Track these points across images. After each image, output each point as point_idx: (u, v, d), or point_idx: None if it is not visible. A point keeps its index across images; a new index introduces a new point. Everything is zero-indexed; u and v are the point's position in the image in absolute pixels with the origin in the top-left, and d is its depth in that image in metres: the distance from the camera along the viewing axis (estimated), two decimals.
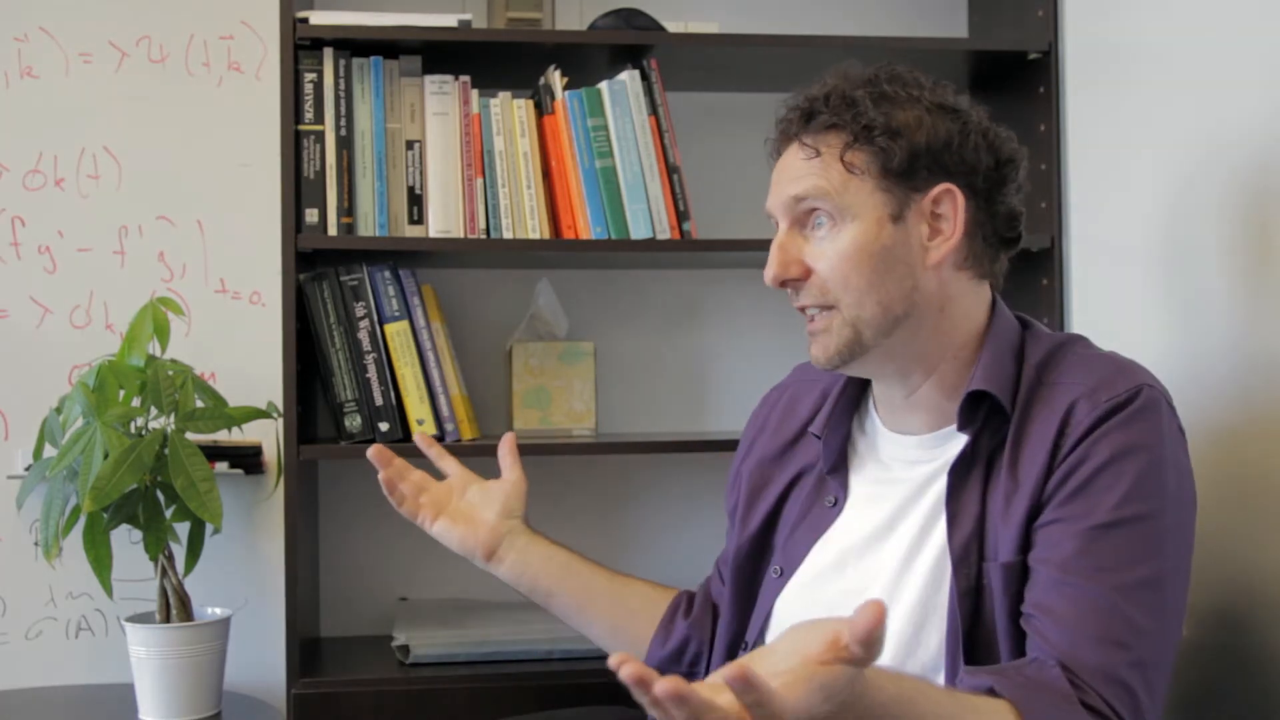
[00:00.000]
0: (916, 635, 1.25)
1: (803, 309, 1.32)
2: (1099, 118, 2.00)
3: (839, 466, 1.38)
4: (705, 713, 0.88)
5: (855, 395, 1.41)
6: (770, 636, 1.36)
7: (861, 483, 1.36)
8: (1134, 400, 1.22)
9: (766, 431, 1.50)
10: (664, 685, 0.86)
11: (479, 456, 2.31)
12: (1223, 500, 1.59)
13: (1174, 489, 1.22)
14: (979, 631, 1.23)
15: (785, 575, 1.37)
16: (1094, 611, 1.16)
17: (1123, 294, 1.92)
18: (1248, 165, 1.60)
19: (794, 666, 0.93)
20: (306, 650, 2.05)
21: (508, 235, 2.06)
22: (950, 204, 1.28)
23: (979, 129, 1.30)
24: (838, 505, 1.36)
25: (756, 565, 1.42)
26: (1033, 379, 1.28)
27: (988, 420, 1.27)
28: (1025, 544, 1.22)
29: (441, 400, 2.06)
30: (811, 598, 1.33)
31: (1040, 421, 1.25)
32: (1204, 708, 1.61)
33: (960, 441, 1.28)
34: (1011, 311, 1.36)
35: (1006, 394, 1.27)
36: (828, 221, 1.28)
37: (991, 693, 1.13)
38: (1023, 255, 2.17)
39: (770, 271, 1.30)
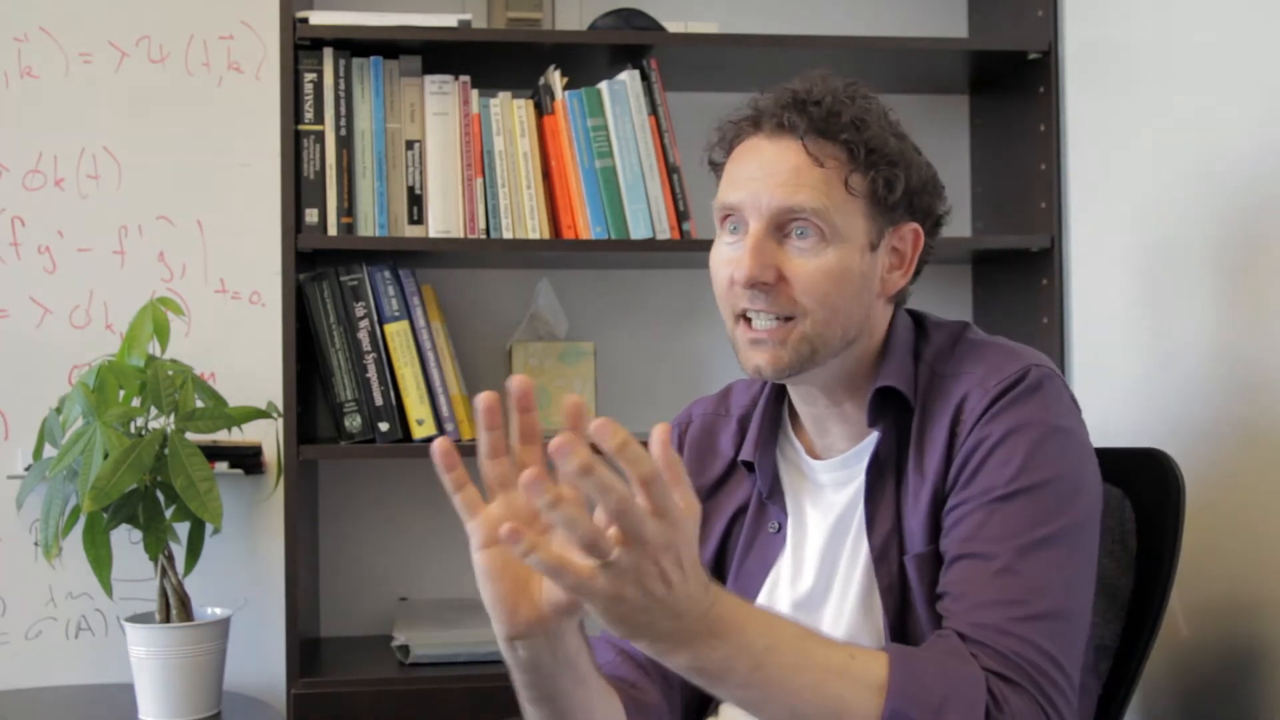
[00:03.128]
0: (858, 635, 1.27)
1: (752, 311, 1.28)
2: (1099, 118, 2.00)
3: (775, 490, 1.37)
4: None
5: (775, 417, 1.40)
6: None
7: (797, 506, 1.36)
8: (1021, 381, 1.24)
9: (688, 469, 1.36)
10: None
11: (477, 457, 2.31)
12: (1221, 500, 1.59)
13: (1069, 456, 1.23)
14: (909, 624, 1.25)
15: None
16: (989, 576, 1.16)
17: (1122, 294, 1.91)
18: (1247, 164, 1.60)
19: None
20: (306, 650, 2.05)
21: (508, 235, 2.06)
22: (912, 242, 1.31)
23: (935, 177, 1.34)
24: (782, 530, 1.35)
25: None
26: (928, 374, 1.31)
27: (896, 417, 1.30)
28: (935, 533, 1.25)
29: (441, 400, 2.06)
30: None
31: (938, 414, 1.27)
32: (1204, 706, 1.61)
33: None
34: (904, 311, 1.38)
35: (909, 390, 1.29)
36: (814, 235, 1.24)
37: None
38: (1023, 255, 2.17)
39: (745, 273, 1.24)
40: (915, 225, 1.31)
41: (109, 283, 2.20)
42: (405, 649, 2.04)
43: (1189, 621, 1.62)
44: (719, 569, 1.39)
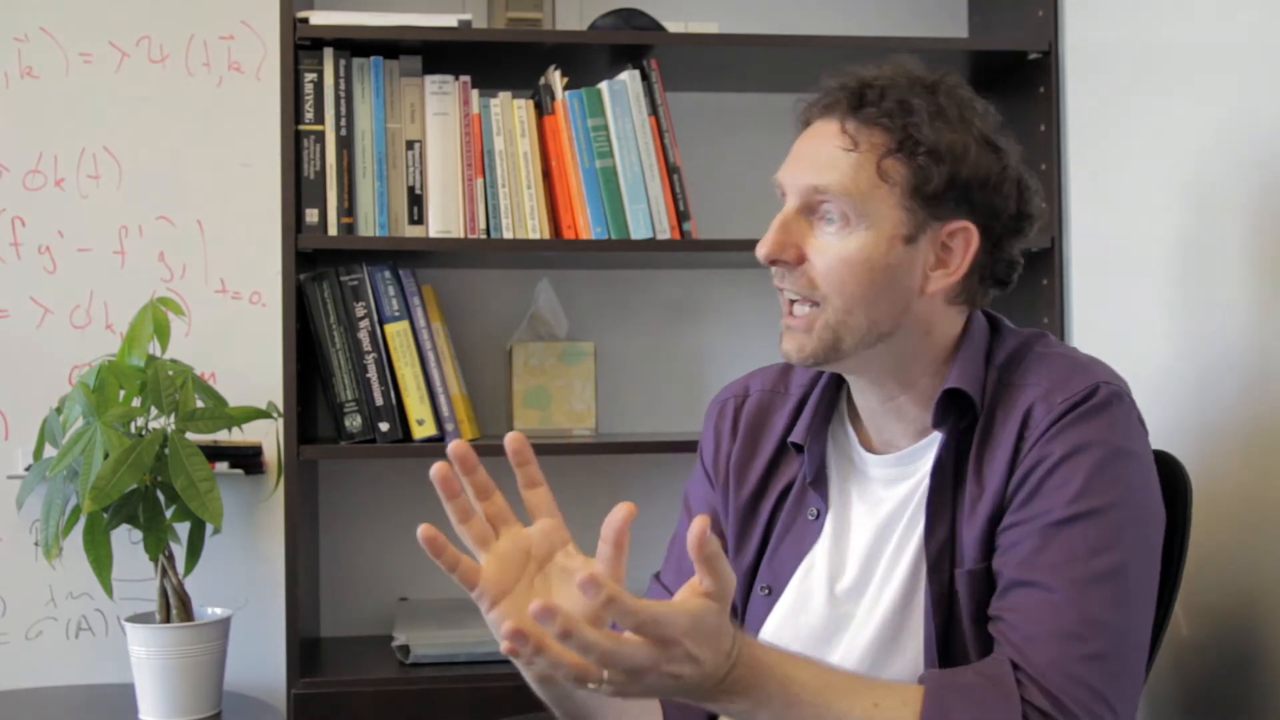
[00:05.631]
0: (894, 641, 1.25)
1: (782, 290, 1.27)
2: (1099, 118, 2.00)
3: (819, 477, 1.35)
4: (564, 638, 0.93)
5: (831, 403, 1.38)
6: None
7: (843, 496, 1.34)
8: (1090, 399, 1.21)
9: (739, 443, 1.42)
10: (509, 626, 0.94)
11: (480, 456, 2.31)
12: (1222, 501, 1.59)
13: (1133, 481, 1.20)
14: (953, 637, 1.23)
15: (774, 594, 1.34)
16: (1048, 607, 1.14)
17: (1122, 294, 1.92)
18: (1248, 164, 1.60)
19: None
20: (306, 650, 2.05)
21: (508, 235, 2.06)
22: (963, 241, 1.24)
23: (1015, 175, 1.27)
24: (820, 518, 1.34)
25: (747, 587, 1.39)
26: (996, 380, 1.27)
27: (958, 422, 1.26)
28: (989, 550, 1.22)
29: (441, 400, 2.06)
30: (801, 618, 1.32)
31: (1002, 425, 1.24)
32: (1204, 707, 1.61)
33: (934, 455, 1.27)
34: (983, 311, 1.34)
35: (977, 395, 1.26)
36: (839, 220, 1.22)
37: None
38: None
39: (765, 249, 1.24)
40: (966, 223, 1.24)
41: (109, 283, 2.20)
42: (405, 649, 2.04)
43: (1189, 622, 1.62)
44: (761, 550, 1.38)
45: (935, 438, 1.27)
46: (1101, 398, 1.21)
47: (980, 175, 1.23)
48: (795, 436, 1.36)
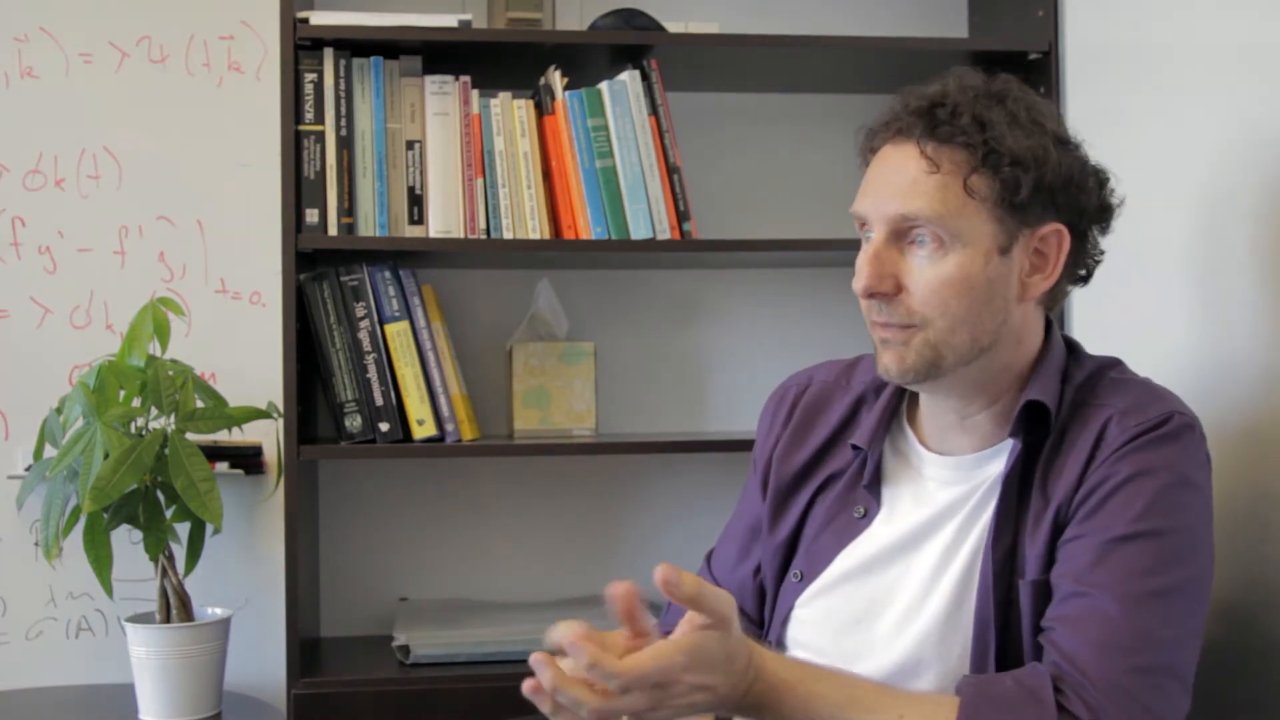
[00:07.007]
0: (941, 646, 1.26)
1: (876, 323, 1.27)
2: (1099, 118, 2.00)
3: (874, 480, 1.36)
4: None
5: (896, 408, 1.39)
6: (789, 640, 1.36)
7: (895, 498, 1.35)
8: (1162, 425, 1.22)
9: (790, 428, 1.44)
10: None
11: (479, 456, 2.32)
12: (1227, 502, 1.59)
13: (1194, 512, 1.22)
14: (1007, 646, 1.23)
15: (805, 580, 1.36)
16: (1100, 619, 1.15)
17: (1123, 294, 1.91)
18: (1251, 165, 1.60)
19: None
20: (306, 650, 2.05)
21: (508, 235, 2.06)
22: (1056, 243, 1.26)
23: (1093, 170, 1.29)
24: (867, 517, 1.34)
25: (781, 569, 1.41)
26: (1071, 399, 1.28)
27: (1031, 435, 1.27)
28: (1050, 563, 1.23)
29: (441, 400, 2.06)
30: (831, 603, 1.33)
31: (1074, 443, 1.25)
32: (1212, 707, 1.61)
33: (998, 463, 1.28)
34: (1060, 334, 1.36)
35: (1054, 409, 1.27)
36: (932, 243, 1.23)
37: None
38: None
39: (861, 283, 1.24)
40: (1057, 225, 1.26)
41: (109, 283, 2.20)
42: (405, 649, 2.04)
43: None
44: (796, 533, 1.40)
45: (996, 448, 1.29)
46: (1174, 426, 1.23)
47: (1063, 176, 1.25)
48: (859, 440, 1.36)
